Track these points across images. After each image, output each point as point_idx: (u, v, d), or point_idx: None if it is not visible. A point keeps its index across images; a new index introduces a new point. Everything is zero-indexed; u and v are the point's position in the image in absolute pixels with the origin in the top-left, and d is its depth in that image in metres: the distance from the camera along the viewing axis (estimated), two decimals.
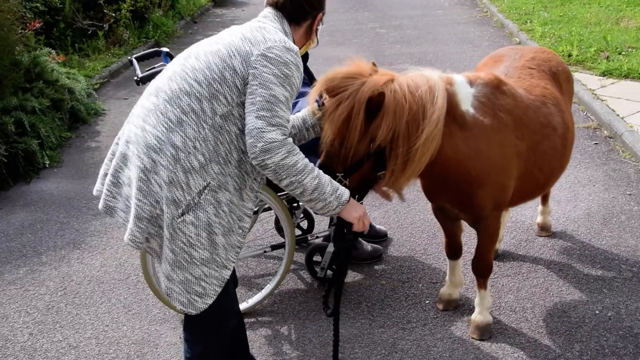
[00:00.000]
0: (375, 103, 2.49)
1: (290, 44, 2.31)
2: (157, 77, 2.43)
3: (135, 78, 3.52)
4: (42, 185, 5.32)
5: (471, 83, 2.89)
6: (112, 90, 7.87)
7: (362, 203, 2.70)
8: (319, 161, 2.61)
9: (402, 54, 9.03)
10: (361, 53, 8.86)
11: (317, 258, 3.77)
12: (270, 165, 2.21)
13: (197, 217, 2.26)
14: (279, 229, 4.07)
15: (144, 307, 3.69)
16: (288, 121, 2.28)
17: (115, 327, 3.53)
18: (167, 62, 3.75)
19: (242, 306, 3.43)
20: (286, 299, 3.68)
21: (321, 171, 2.36)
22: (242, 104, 2.27)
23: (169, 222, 2.25)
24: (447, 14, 11.61)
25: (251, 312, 3.54)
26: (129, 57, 3.81)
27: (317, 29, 2.58)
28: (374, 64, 2.65)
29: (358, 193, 2.70)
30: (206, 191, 2.26)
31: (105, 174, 2.46)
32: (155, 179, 2.24)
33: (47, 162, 5.63)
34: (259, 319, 3.52)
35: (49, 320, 3.61)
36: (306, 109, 2.76)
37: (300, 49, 2.50)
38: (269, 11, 2.48)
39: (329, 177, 2.38)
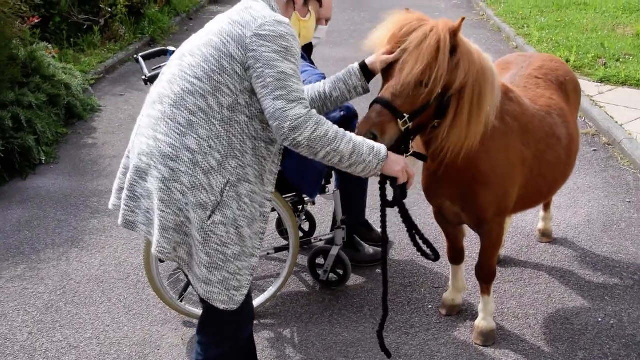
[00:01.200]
0: (455, 39, 2.46)
1: (279, 16, 2.25)
2: (157, 83, 2.38)
3: (143, 77, 3.48)
4: (38, 182, 5.27)
5: None
6: (108, 86, 7.80)
7: (411, 150, 2.61)
8: (380, 98, 2.49)
9: None
10: (359, 54, 8.84)
11: (319, 261, 3.76)
12: (303, 141, 2.16)
13: (225, 216, 2.25)
14: (280, 231, 4.05)
15: (145, 307, 3.66)
16: (304, 92, 2.23)
17: (116, 327, 3.50)
18: None
19: None
20: (288, 301, 3.66)
21: (351, 134, 2.29)
22: (246, 90, 2.22)
23: (199, 226, 2.23)
24: (443, 17, 11.57)
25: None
26: (135, 56, 3.76)
27: (306, 6, 2.57)
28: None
29: (407, 141, 2.59)
30: (227, 188, 2.24)
31: (121, 189, 2.41)
32: (176, 187, 2.21)
33: (44, 158, 5.57)
34: (262, 321, 3.50)
35: (49, 319, 3.57)
36: (324, 81, 2.71)
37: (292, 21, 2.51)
38: None
39: (361, 137, 2.32)
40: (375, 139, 2.42)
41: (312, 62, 3.60)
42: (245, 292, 2.37)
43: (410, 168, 2.43)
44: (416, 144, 2.80)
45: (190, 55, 2.27)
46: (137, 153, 2.32)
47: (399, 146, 2.52)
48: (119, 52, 8.84)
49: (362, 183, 3.82)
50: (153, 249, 2.29)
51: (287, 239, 3.66)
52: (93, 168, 5.53)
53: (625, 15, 10.08)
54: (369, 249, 3.97)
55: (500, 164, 2.85)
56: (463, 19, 2.49)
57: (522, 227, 4.33)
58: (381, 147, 2.32)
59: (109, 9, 9.11)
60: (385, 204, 2.64)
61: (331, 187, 3.83)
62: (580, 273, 3.82)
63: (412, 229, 2.79)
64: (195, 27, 11.14)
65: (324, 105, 2.69)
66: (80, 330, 3.48)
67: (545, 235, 4.17)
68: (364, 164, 2.28)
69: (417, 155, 2.70)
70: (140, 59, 3.68)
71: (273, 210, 3.58)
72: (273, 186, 2.43)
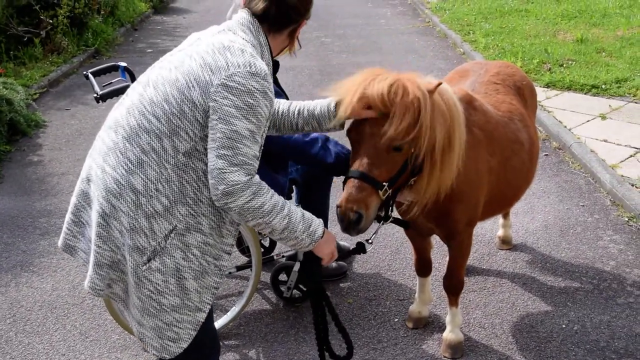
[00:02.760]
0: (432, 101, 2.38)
1: (256, 66, 2.07)
2: (116, 107, 2.23)
3: (95, 95, 3.33)
4: None
5: None
6: (52, 101, 7.55)
7: (391, 217, 2.55)
8: (356, 170, 2.38)
9: (349, 63, 9.02)
10: (308, 62, 8.80)
11: (282, 277, 3.68)
12: (234, 208, 2.03)
13: (164, 263, 2.11)
14: (242, 250, 3.95)
15: (102, 333, 3.51)
16: (254, 156, 2.08)
17: (72, 356, 3.34)
18: (125, 77, 3.59)
19: None
20: (252, 320, 3.57)
21: (293, 207, 2.18)
22: (207, 138, 2.06)
23: (132, 270, 2.11)
24: (390, 24, 11.72)
25: (218, 335, 3.41)
26: (84, 72, 3.60)
27: (298, 34, 2.39)
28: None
29: (388, 207, 2.52)
30: (172, 235, 2.10)
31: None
32: (115, 225, 2.09)
33: None
34: (226, 342, 3.40)
35: None
36: (295, 112, 2.52)
37: (278, 53, 2.37)
38: (244, 17, 2.22)
39: (302, 212, 2.20)
40: (360, 217, 2.35)
41: (276, 80, 3.49)
42: (184, 345, 2.22)
43: (335, 251, 2.36)
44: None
45: (154, 88, 2.12)
46: (85, 177, 2.21)
47: (379, 214, 2.46)
48: (63, 64, 8.58)
49: (324, 196, 3.77)
50: (85, 284, 2.20)
51: (248, 256, 3.57)
52: (40, 187, 5.32)
53: (564, 22, 10.35)
54: (332, 263, 3.91)
55: (471, 176, 2.84)
56: (440, 83, 2.43)
57: (482, 235, 4.35)
58: (318, 228, 2.22)
59: (50, 20, 8.83)
60: (309, 281, 2.58)
61: (292, 202, 3.76)
62: (542, 279, 3.86)
63: (333, 320, 2.65)
64: (140, 38, 10.96)
65: (291, 129, 2.55)
66: None
67: (506, 242, 4.21)
68: (296, 240, 2.18)
69: (397, 221, 2.65)
70: (91, 76, 3.53)
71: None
72: (234, 238, 2.28)
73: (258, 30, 2.22)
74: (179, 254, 2.12)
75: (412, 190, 2.58)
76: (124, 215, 2.08)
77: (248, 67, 2.05)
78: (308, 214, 2.23)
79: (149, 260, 2.09)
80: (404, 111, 2.30)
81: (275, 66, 2.50)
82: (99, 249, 2.13)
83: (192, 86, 2.05)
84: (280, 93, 3.28)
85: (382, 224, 2.56)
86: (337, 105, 2.46)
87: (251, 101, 2.03)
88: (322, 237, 2.23)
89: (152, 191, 2.06)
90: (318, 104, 2.51)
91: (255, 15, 2.23)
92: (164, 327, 2.18)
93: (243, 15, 2.24)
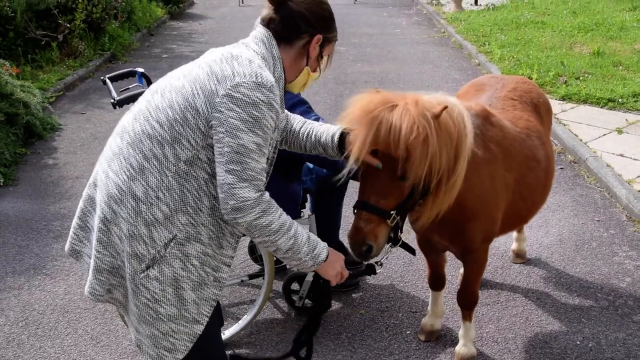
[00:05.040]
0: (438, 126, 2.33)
1: (263, 77, 2.04)
2: (127, 114, 2.24)
3: (112, 101, 3.34)
4: None
5: None
6: (67, 104, 7.59)
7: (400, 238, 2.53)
8: (364, 202, 2.38)
9: (363, 72, 9.04)
10: (324, 72, 8.80)
11: (295, 287, 3.67)
12: (243, 224, 2.03)
13: (162, 272, 2.10)
14: (254, 258, 3.94)
15: (113, 338, 3.51)
16: (263, 170, 2.07)
17: None
18: (142, 83, 3.60)
19: None
20: (263, 329, 3.56)
21: (300, 228, 2.16)
22: (209, 147, 2.05)
23: (130, 276, 2.11)
24: (405, 34, 11.73)
25: (228, 344, 3.40)
26: (102, 77, 3.62)
27: (320, 56, 2.31)
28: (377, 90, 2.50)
29: (396, 233, 2.49)
30: (172, 244, 2.09)
31: None
32: (115, 231, 2.09)
33: (2, 181, 5.36)
34: (236, 351, 3.39)
35: (10, 354, 3.39)
36: (332, 129, 2.48)
37: (295, 78, 2.30)
38: (259, 31, 2.20)
39: (308, 234, 2.18)
40: (371, 248, 2.36)
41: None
42: (180, 356, 2.19)
43: (344, 269, 2.32)
44: None
45: (161, 95, 2.12)
46: (92, 182, 2.22)
47: (388, 239, 2.45)
48: (79, 68, 8.65)
49: (336, 205, 3.76)
50: (85, 290, 2.20)
51: (261, 265, 3.57)
52: (55, 190, 5.34)
53: (580, 34, 10.31)
54: None
55: (487, 194, 2.81)
56: (445, 107, 2.36)
57: (496, 248, 4.32)
58: (322, 251, 2.20)
59: (68, 25, 8.90)
60: (318, 298, 2.55)
61: (306, 211, 3.76)
62: (556, 294, 3.82)
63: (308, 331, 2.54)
64: (156, 43, 11.02)
65: (299, 150, 2.55)
66: None
67: (520, 256, 4.17)
68: (299, 261, 2.17)
69: (405, 246, 2.64)
70: (108, 81, 3.54)
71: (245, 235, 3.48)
72: (234, 250, 2.25)
73: (271, 43, 2.20)
74: (178, 263, 2.11)
75: (417, 214, 2.59)
76: (124, 221, 2.07)
77: (254, 78, 2.03)
78: (314, 237, 2.21)
79: (147, 268, 2.08)
80: (419, 158, 2.28)
81: None
82: (99, 254, 2.12)
83: (197, 94, 2.04)
84: (308, 110, 3.27)
85: (391, 247, 2.54)
86: (342, 137, 2.45)
87: (256, 113, 2.01)
88: (325, 260, 2.22)
89: (152, 199, 2.05)
90: (324, 132, 2.48)
91: (266, 27, 2.22)
92: (159, 336, 2.16)
93: (259, 29, 2.23)
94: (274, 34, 2.21)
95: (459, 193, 2.64)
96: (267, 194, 2.08)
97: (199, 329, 2.20)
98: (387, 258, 2.65)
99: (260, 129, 2.02)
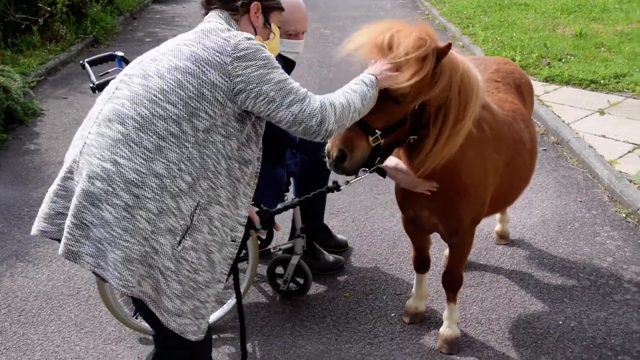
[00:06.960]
0: (441, 52, 2.37)
1: (244, 33, 2.22)
2: (108, 97, 2.20)
3: (91, 85, 3.30)
4: None
5: None
6: (49, 89, 7.50)
7: (381, 166, 2.60)
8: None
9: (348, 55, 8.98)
10: (308, 54, 8.74)
11: (279, 270, 3.67)
12: (332, 124, 2.19)
13: (196, 240, 2.16)
14: None
15: (98, 324, 3.50)
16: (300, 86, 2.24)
17: (67, 347, 3.33)
18: (122, 67, 3.56)
19: None
20: (248, 313, 3.56)
21: (346, 87, 2.29)
22: (226, 114, 2.16)
23: (169, 253, 2.11)
24: (389, 16, 11.64)
25: (212, 328, 3.40)
26: (81, 61, 3.57)
27: (268, 24, 2.44)
28: None
29: (383, 156, 2.54)
30: (198, 211, 2.15)
31: (57, 214, 2.20)
32: (141, 214, 2.06)
33: None
34: (221, 335, 3.39)
35: None
36: None
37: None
38: (211, 14, 2.36)
39: (351, 83, 2.31)
40: (344, 156, 2.36)
41: None
42: (209, 319, 2.30)
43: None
44: (397, 155, 2.74)
45: (160, 77, 2.13)
46: (86, 176, 2.10)
47: (366, 163, 2.46)
48: (61, 53, 8.53)
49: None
50: (115, 283, 2.09)
51: (245, 249, 3.56)
52: (37, 176, 5.29)
53: (563, 16, 10.32)
54: (329, 257, 3.91)
55: (478, 173, 2.82)
56: (450, 44, 2.40)
57: (480, 230, 4.32)
58: (368, 76, 2.33)
59: (48, 8, 8.77)
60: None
61: (290, 194, 3.75)
62: (539, 275, 3.86)
63: None
64: (139, 27, 10.89)
65: None
66: (28, 352, 3.29)
67: (503, 238, 4.20)
68: (373, 97, 2.31)
69: (378, 170, 2.65)
70: (87, 65, 3.50)
71: None
72: (247, 210, 2.35)
73: (225, 15, 2.34)
74: (206, 228, 2.18)
75: (413, 150, 2.59)
76: (150, 200, 2.07)
77: (241, 35, 2.19)
78: (353, 82, 2.33)
79: (181, 240, 2.13)
80: (420, 64, 2.33)
81: (292, 65, 2.51)
82: (127, 243, 2.06)
83: (207, 70, 2.12)
84: None
85: (364, 172, 2.58)
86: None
87: (264, 55, 2.17)
88: (376, 77, 2.33)
89: (175, 172, 2.09)
90: None
91: (209, 5, 2.37)
92: (200, 306, 2.23)
93: (210, 13, 2.37)
94: (221, 8, 2.35)
95: (455, 164, 2.66)
96: (317, 95, 2.24)
97: (221, 287, 2.31)
98: (348, 183, 2.82)
99: (274, 63, 2.19)
